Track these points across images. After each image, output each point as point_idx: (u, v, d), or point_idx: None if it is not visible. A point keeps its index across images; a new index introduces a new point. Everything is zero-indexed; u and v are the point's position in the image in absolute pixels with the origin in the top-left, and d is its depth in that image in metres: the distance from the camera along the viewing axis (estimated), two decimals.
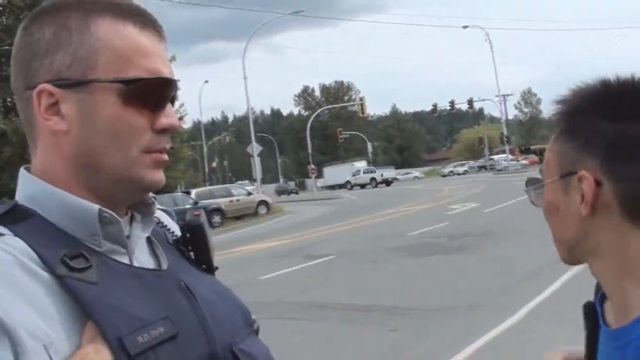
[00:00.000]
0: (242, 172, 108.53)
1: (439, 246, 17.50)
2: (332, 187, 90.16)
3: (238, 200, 39.33)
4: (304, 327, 9.93)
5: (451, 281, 12.43)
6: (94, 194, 1.18)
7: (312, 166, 72.14)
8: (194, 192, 40.01)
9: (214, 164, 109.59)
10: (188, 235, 1.38)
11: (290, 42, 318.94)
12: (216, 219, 35.06)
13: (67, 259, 1.07)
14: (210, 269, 1.38)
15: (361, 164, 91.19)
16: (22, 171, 1.21)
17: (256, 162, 48.37)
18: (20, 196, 1.18)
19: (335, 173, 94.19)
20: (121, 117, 1.16)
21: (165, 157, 1.24)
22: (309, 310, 11.06)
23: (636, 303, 1.21)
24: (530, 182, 1.37)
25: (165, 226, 1.38)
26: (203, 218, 1.40)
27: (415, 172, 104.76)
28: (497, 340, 8.29)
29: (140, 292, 1.13)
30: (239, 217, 38.03)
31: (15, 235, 1.08)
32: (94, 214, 1.14)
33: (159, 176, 1.23)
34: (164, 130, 1.21)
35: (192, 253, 1.38)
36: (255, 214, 39.50)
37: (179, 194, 41.04)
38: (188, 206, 35.04)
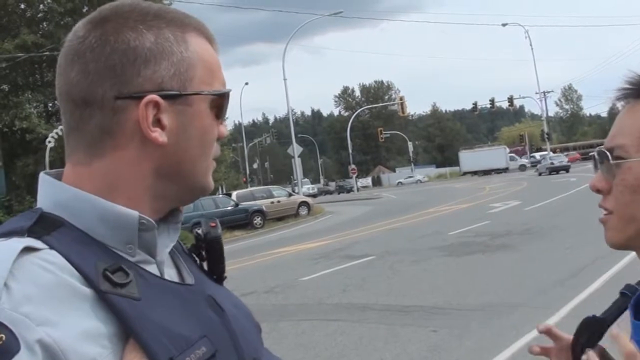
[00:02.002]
0: (283, 173, 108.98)
1: (479, 245, 17.41)
2: (476, 173, 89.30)
3: (279, 201, 39.38)
4: (345, 328, 9.91)
5: (492, 280, 12.37)
6: (155, 204, 1.17)
7: (353, 166, 72.06)
8: (234, 193, 40.11)
9: (255, 166, 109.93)
10: (204, 245, 1.34)
11: (330, 43, 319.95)
12: (257, 220, 35.24)
13: (109, 273, 1.04)
14: (220, 280, 1.34)
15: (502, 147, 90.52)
16: (44, 177, 1.18)
17: (297, 163, 48.43)
18: (45, 203, 1.14)
19: (474, 159, 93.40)
20: (209, 128, 1.20)
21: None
22: (350, 311, 11.05)
23: None
24: (603, 155, 1.27)
25: None
26: (220, 230, 1.37)
27: (418, 175, 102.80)
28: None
29: (178, 309, 1.10)
30: (280, 219, 38.07)
31: (51, 247, 1.03)
32: (134, 220, 1.12)
33: (212, 182, 1.26)
34: (220, 139, 1.25)
35: (204, 263, 1.35)
36: (296, 215, 39.54)
37: (220, 195, 41.17)
38: (229, 208, 35.19)
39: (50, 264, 1.01)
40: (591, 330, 1.37)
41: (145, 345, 1.01)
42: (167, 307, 1.09)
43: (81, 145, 1.14)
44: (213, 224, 1.36)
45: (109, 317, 1.01)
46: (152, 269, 1.15)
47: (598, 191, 1.29)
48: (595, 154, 1.30)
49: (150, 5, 1.17)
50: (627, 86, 1.26)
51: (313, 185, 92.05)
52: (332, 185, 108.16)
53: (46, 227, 1.07)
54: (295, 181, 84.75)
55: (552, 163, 64.04)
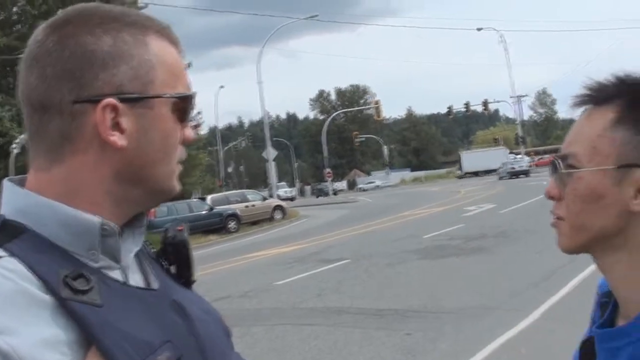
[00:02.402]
0: (259, 177, 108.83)
1: (454, 248, 17.48)
2: (477, 174, 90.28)
3: (254, 205, 39.28)
4: (319, 332, 9.90)
5: (466, 283, 12.41)
6: (118, 208, 1.15)
7: (328, 170, 72.23)
8: (209, 198, 40.02)
9: (230, 169, 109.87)
10: (170, 249, 1.33)
11: (306, 47, 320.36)
12: (232, 224, 35.18)
13: (70, 279, 1.03)
14: (188, 283, 1.33)
15: (502, 148, 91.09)
16: (6, 183, 1.16)
17: (271, 167, 48.46)
18: (7, 210, 1.12)
19: (476, 159, 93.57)
20: (172, 132, 1.18)
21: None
22: (324, 315, 11.04)
23: None
24: (556, 163, 1.29)
25: (144, 239, 1.31)
26: (187, 233, 1.36)
27: (378, 181, 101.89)
28: (512, 342, 8.27)
29: (141, 314, 1.09)
30: (254, 223, 37.97)
31: (12, 255, 1.03)
32: (96, 226, 1.10)
33: (179, 186, 1.24)
34: (185, 143, 1.23)
35: (172, 267, 1.33)
36: (271, 219, 39.45)
37: (195, 200, 41.09)
38: (204, 212, 35.14)
39: (9, 272, 1.00)
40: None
41: (106, 352, 1.00)
42: (129, 313, 1.07)
43: (41, 151, 1.13)
44: (180, 228, 1.35)
45: (70, 324, 1.00)
46: (116, 274, 1.14)
47: (551, 197, 1.30)
48: (549, 161, 1.32)
49: (110, 9, 1.16)
50: (586, 92, 1.27)
51: (291, 189, 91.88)
52: (308, 189, 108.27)
53: (7, 234, 1.06)
54: (275, 185, 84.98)
55: (512, 168, 68.11)
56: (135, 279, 1.20)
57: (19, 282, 1.00)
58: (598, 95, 1.25)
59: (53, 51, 1.10)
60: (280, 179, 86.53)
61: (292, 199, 78.94)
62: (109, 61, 1.11)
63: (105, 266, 1.12)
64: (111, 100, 1.10)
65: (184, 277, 1.32)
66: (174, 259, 1.33)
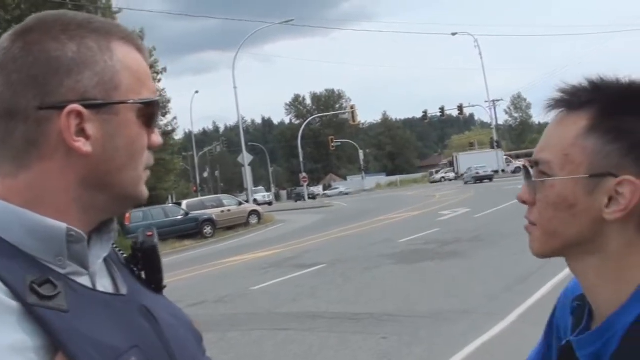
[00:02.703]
0: (234, 182, 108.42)
1: (429, 252, 17.48)
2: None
3: (229, 210, 39.24)
4: (295, 337, 9.88)
5: (441, 287, 12.42)
6: (85, 215, 1.16)
7: (304, 174, 72.22)
8: (184, 203, 39.89)
9: (206, 174, 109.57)
10: (140, 255, 1.34)
11: (281, 52, 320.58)
12: (208, 229, 35.09)
13: (36, 285, 1.03)
14: (159, 289, 1.33)
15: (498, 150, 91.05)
16: None
17: (247, 172, 48.37)
18: None
19: (471, 161, 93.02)
20: (137, 137, 1.19)
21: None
22: (300, 320, 11.02)
23: (622, 300, 1.21)
24: (527, 170, 1.30)
25: (114, 245, 1.34)
26: (156, 239, 1.36)
27: (342, 187, 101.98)
28: (488, 345, 8.29)
29: (108, 319, 1.10)
30: (230, 228, 37.92)
31: None
32: (62, 232, 1.10)
33: (147, 191, 1.25)
34: (152, 148, 1.24)
35: (142, 273, 1.34)
36: (246, 224, 39.42)
37: (170, 205, 40.97)
38: (179, 217, 35.05)
39: None
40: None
41: (72, 357, 1.00)
42: (96, 318, 1.07)
43: (8, 158, 1.13)
44: (150, 234, 1.35)
45: (36, 330, 1.00)
46: (84, 280, 1.14)
47: (524, 202, 1.31)
48: (522, 165, 1.32)
49: (75, 16, 1.18)
50: (559, 96, 1.28)
51: (268, 193, 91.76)
52: (284, 194, 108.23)
53: None
54: (251, 189, 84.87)
55: (477, 173, 71.13)
56: (104, 285, 1.20)
57: None
58: (571, 100, 1.25)
59: (18, 58, 1.11)
60: (255, 184, 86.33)
61: (270, 203, 79.07)
62: (74, 68, 1.12)
63: (73, 272, 1.12)
64: (76, 106, 1.11)
65: (154, 282, 1.33)
66: (144, 264, 1.33)
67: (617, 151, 1.18)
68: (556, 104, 1.28)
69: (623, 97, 1.21)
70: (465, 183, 70.74)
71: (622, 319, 1.20)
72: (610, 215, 1.19)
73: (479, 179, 68.87)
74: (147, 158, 1.23)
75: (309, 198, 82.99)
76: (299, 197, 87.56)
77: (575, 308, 1.37)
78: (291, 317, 11.41)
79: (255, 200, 74.97)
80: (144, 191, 1.23)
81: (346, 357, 8.58)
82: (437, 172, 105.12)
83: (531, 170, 1.28)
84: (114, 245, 1.32)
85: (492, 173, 72.25)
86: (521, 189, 1.32)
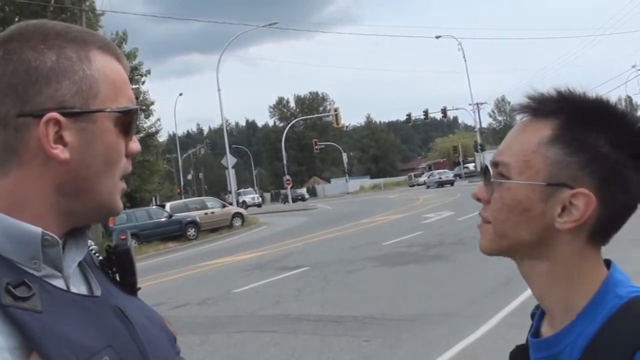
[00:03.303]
0: (218, 184, 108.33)
1: (413, 255, 17.54)
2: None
3: (213, 212, 39.15)
4: (278, 340, 9.87)
5: (425, 290, 12.45)
6: (61, 220, 1.18)
7: (288, 177, 72.13)
8: (168, 205, 39.78)
9: (190, 177, 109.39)
10: (114, 258, 1.36)
11: (265, 54, 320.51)
12: (191, 231, 35.04)
13: (12, 287, 1.05)
14: (133, 291, 1.36)
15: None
16: None
17: (231, 174, 48.31)
18: None
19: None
20: (114, 145, 1.21)
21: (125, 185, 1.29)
22: (283, 323, 11.01)
23: (575, 307, 1.23)
24: (486, 170, 1.33)
25: (91, 249, 1.37)
26: (130, 242, 1.39)
27: (303, 189, 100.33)
28: (470, 348, 8.31)
29: (82, 320, 1.12)
30: (214, 230, 37.87)
31: None
32: (38, 236, 1.13)
33: (121, 204, 1.28)
34: (130, 155, 1.26)
35: (117, 275, 1.37)
36: (230, 226, 39.37)
37: (154, 207, 40.90)
38: (163, 219, 34.98)
39: None
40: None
41: (47, 356, 1.01)
42: (70, 319, 1.09)
43: None
44: (123, 237, 1.38)
45: (11, 330, 1.02)
46: (59, 283, 1.16)
47: (478, 200, 1.34)
48: (482, 165, 1.35)
49: (54, 25, 1.20)
50: (526, 102, 1.30)
51: (257, 195, 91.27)
52: (267, 196, 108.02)
53: None
54: (240, 191, 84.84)
55: (440, 178, 78.42)
56: (78, 287, 1.22)
57: None
58: (537, 108, 1.28)
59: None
60: (239, 187, 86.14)
61: (259, 205, 79.05)
62: (52, 77, 1.14)
63: (48, 275, 1.14)
64: (54, 114, 1.13)
65: (128, 284, 1.36)
66: (118, 267, 1.36)
67: (576, 164, 1.21)
68: (522, 109, 1.31)
69: (588, 111, 1.24)
70: (427, 187, 77.59)
71: (573, 334, 1.22)
72: (562, 224, 1.22)
73: (441, 184, 75.60)
74: (124, 166, 1.25)
75: (299, 200, 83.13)
76: (286, 200, 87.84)
77: (534, 313, 1.41)
78: (274, 319, 11.41)
79: (244, 202, 75.11)
80: (119, 202, 1.26)
81: None
82: (416, 176, 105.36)
83: (491, 171, 1.30)
84: (91, 249, 1.36)
85: (454, 178, 79.46)
86: (477, 187, 1.34)
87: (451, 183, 75.06)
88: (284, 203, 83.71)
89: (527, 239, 1.26)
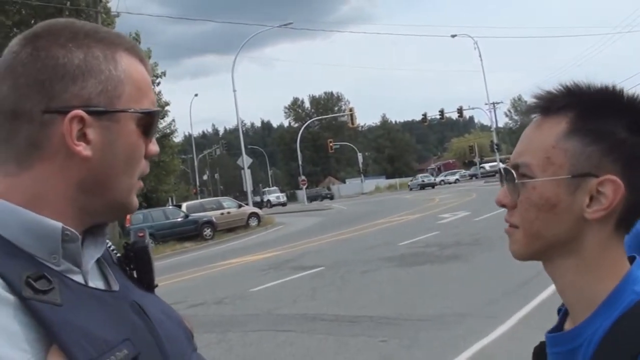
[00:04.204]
0: (234, 185, 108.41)
1: (429, 256, 17.50)
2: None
3: (229, 212, 39.19)
4: (294, 339, 9.89)
5: (441, 290, 12.42)
6: (80, 216, 1.20)
7: (303, 177, 72.18)
8: (184, 205, 39.88)
9: (205, 177, 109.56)
10: (132, 255, 1.39)
11: (280, 55, 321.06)
12: (207, 231, 35.11)
13: (32, 280, 1.06)
14: (150, 288, 1.39)
15: None
16: None
17: (247, 174, 48.34)
18: None
19: None
20: (135, 145, 1.24)
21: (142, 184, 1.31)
22: (300, 322, 11.03)
23: (596, 302, 1.23)
24: (509, 172, 1.32)
25: (109, 246, 1.39)
26: (147, 239, 1.43)
27: (279, 193, 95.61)
28: (487, 349, 8.29)
29: (100, 314, 1.13)
30: (230, 230, 37.91)
31: None
32: (58, 231, 1.14)
33: (137, 202, 1.31)
34: (149, 157, 1.29)
35: (134, 272, 1.39)
36: (246, 226, 39.40)
37: (170, 207, 41.00)
38: (179, 219, 35.05)
39: None
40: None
41: (65, 348, 1.03)
42: (89, 312, 1.11)
43: (11, 157, 1.17)
44: (141, 234, 1.43)
45: (31, 322, 1.04)
46: (77, 278, 1.18)
47: (503, 206, 1.34)
48: (501, 169, 1.36)
49: (83, 25, 1.23)
50: (534, 101, 1.31)
51: (282, 194, 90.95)
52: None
53: None
54: (264, 190, 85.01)
55: (422, 181, 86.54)
56: (96, 283, 1.24)
57: None
58: (547, 106, 1.29)
59: (26, 62, 1.16)
60: (254, 187, 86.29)
61: (284, 204, 79.11)
62: (79, 75, 1.17)
63: (67, 270, 1.16)
64: (79, 112, 1.15)
65: (146, 281, 1.39)
66: (135, 264, 1.39)
67: (598, 152, 1.22)
68: (533, 109, 1.32)
69: (599, 101, 1.25)
70: (410, 189, 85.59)
71: (591, 328, 1.22)
72: (591, 214, 1.23)
73: (423, 187, 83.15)
74: (143, 166, 1.28)
75: (327, 198, 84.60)
76: (319, 197, 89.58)
77: (560, 309, 1.41)
78: (290, 318, 11.43)
79: (269, 201, 75.59)
80: (135, 201, 1.29)
81: None
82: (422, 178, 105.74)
83: (513, 174, 1.30)
84: (109, 246, 1.38)
85: (434, 181, 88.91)
86: (499, 193, 1.34)
87: (432, 185, 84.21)
88: (321, 200, 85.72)
89: (558, 235, 1.26)
